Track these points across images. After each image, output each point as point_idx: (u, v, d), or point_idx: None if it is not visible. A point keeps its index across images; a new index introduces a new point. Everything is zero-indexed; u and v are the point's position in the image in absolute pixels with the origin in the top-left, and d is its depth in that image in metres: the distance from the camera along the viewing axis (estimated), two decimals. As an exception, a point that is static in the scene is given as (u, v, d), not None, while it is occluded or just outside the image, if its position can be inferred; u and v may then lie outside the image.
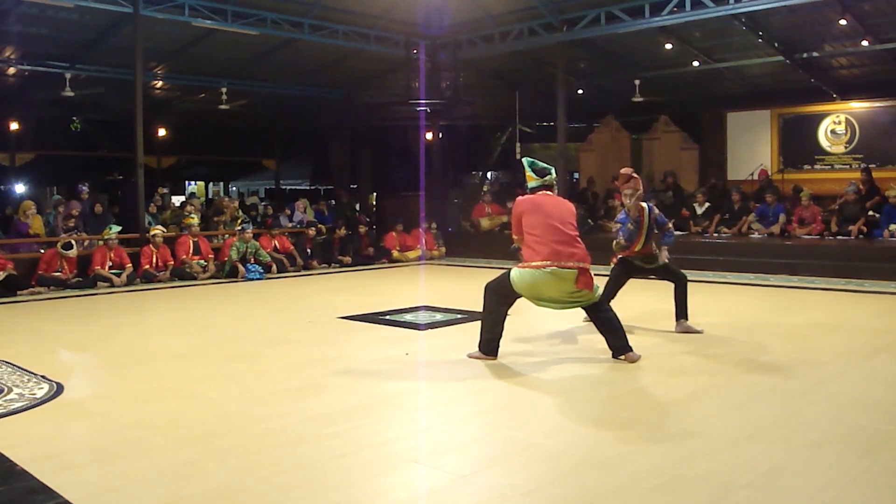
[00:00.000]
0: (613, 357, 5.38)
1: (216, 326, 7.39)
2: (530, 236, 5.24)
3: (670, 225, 6.70)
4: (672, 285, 6.42)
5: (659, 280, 6.72)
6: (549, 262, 5.11)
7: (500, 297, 5.39)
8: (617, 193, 6.73)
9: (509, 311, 5.48)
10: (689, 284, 6.43)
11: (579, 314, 6.52)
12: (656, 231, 6.38)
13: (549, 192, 5.39)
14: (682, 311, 6.35)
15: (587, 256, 5.26)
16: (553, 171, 5.51)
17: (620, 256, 6.53)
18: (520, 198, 5.46)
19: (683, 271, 6.60)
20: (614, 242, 6.47)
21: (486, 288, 5.45)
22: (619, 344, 5.38)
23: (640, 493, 3.05)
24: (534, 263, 5.16)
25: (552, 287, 5.18)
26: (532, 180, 5.41)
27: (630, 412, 4.21)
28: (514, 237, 5.52)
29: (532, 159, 5.53)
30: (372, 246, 13.34)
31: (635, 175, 6.43)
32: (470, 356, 5.49)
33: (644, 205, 6.31)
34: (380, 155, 18.51)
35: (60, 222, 11.45)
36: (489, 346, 5.44)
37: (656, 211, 6.44)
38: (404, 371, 5.26)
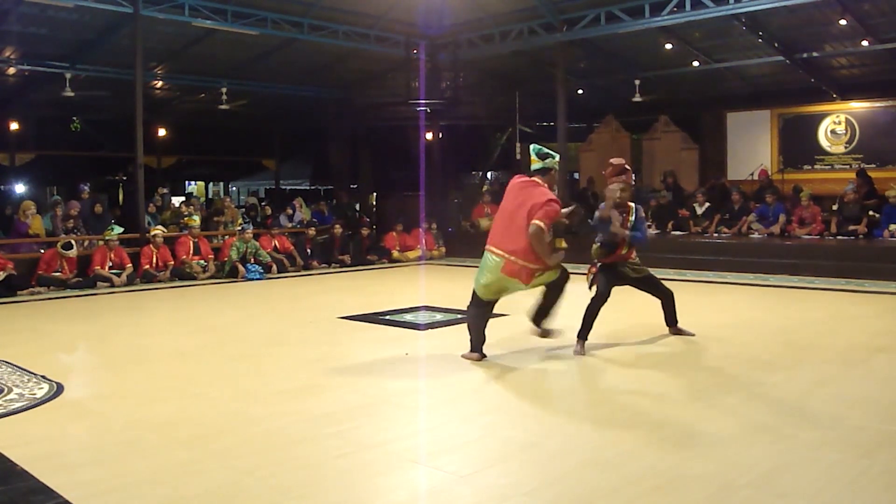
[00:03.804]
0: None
1: (216, 326, 7.38)
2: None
3: (647, 231, 6.21)
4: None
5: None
6: (489, 246, 5.37)
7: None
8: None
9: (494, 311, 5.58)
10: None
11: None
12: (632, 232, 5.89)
13: (537, 179, 5.44)
14: (671, 320, 6.23)
15: (522, 252, 5.20)
16: (556, 157, 5.58)
17: (601, 264, 5.87)
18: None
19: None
20: (594, 247, 5.90)
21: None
22: (538, 319, 5.61)
23: (640, 493, 3.05)
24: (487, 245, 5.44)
25: (487, 270, 5.34)
26: (534, 163, 5.52)
27: (630, 412, 4.21)
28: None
29: (539, 146, 5.63)
30: (373, 250, 13.33)
31: (628, 168, 6.08)
32: (464, 356, 5.52)
33: (632, 204, 5.95)
34: (380, 155, 18.50)
35: (59, 223, 11.45)
36: (477, 343, 5.51)
37: (642, 213, 6.07)
38: (404, 371, 5.26)
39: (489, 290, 5.39)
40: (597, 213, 5.91)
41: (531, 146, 5.68)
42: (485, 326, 5.50)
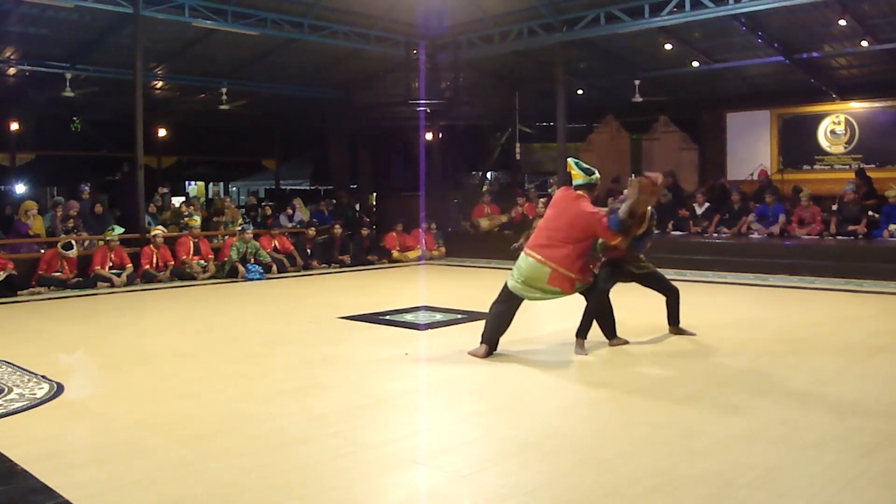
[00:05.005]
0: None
1: (216, 326, 7.38)
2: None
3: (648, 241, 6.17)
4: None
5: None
6: (528, 249, 5.49)
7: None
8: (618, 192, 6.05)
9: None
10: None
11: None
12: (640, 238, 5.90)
13: (582, 193, 5.55)
14: (674, 319, 6.23)
15: (565, 262, 5.36)
16: (597, 172, 5.70)
17: (605, 259, 5.96)
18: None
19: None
20: (598, 242, 5.80)
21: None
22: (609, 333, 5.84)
23: (640, 493, 3.05)
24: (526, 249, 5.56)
25: (525, 272, 5.45)
26: (578, 178, 5.60)
27: (630, 412, 4.21)
28: None
29: (578, 160, 5.74)
30: (373, 250, 13.34)
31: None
32: (470, 353, 5.56)
33: (650, 209, 5.93)
34: (380, 155, 18.50)
35: (59, 223, 11.45)
36: (489, 338, 5.57)
37: (655, 221, 6.18)
38: (404, 371, 5.26)
39: (525, 287, 5.47)
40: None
41: (571, 160, 5.76)
42: (505, 327, 5.57)
